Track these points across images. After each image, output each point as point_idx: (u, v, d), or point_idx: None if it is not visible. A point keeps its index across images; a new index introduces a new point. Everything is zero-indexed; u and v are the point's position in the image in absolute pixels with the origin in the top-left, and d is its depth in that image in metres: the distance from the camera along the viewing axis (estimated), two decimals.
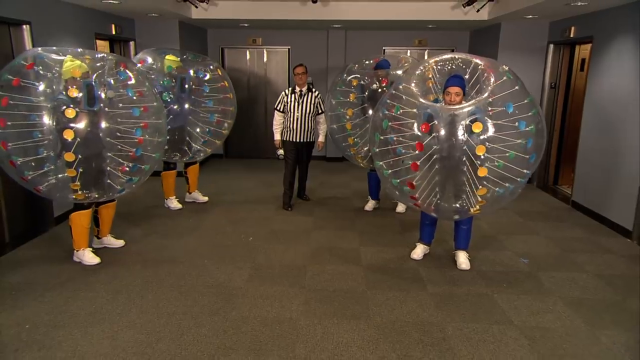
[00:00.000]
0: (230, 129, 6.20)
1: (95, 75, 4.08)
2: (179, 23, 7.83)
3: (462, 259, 4.61)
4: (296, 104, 6.12)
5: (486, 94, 3.80)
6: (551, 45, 7.52)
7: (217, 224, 5.80)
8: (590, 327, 3.60)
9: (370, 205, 6.47)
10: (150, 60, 5.75)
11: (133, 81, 4.28)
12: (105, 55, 4.32)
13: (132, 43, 7.68)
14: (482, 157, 3.74)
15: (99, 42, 6.74)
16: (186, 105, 5.78)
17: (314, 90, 6.25)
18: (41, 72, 3.94)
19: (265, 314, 3.72)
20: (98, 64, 4.14)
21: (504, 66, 3.97)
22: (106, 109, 4.08)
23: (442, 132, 3.80)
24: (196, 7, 7.27)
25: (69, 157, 3.93)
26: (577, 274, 4.50)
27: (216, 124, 5.98)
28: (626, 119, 5.56)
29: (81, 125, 3.97)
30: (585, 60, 7.10)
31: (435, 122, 3.83)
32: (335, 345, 3.33)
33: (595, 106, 6.25)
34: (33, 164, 3.94)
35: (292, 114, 6.14)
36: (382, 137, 4.11)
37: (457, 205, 3.99)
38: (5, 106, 3.80)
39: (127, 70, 4.29)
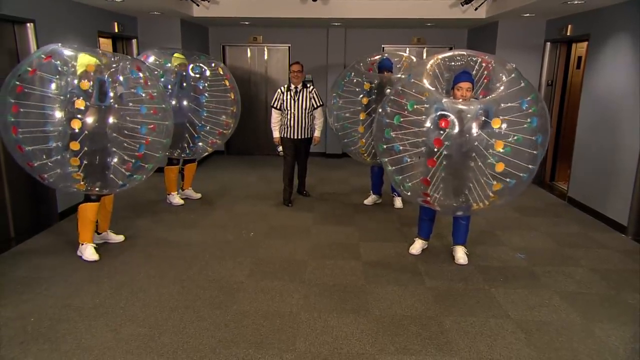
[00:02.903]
0: (233, 128, 6.25)
1: (108, 72, 4.18)
2: (180, 21, 7.87)
3: (460, 254, 4.67)
4: (292, 101, 6.17)
5: (500, 90, 3.83)
6: (548, 43, 7.57)
7: (219, 219, 5.85)
8: (586, 321, 3.66)
9: (370, 199, 6.54)
10: (152, 58, 5.80)
11: (143, 82, 4.38)
12: (121, 56, 4.44)
13: (134, 41, 7.73)
14: (502, 151, 3.75)
15: (101, 39, 6.79)
16: (184, 102, 5.83)
17: (308, 85, 6.30)
18: (58, 65, 4.03)
19: (266, 308, 3.78)
20: (114, 64, 4.25)
21: (511, 64, 4.00)
22: (116, 105, 4.17)
23: (456, 128, 3.80)
24: (197, 5, 7.32)
25: (74, 145, 4.02)
26: (573, 269, 4.56)
27: (222, 124, 6.04)
28: (622, 116, 5.62)
29: (90, 119, 4.06)
30: (582, 58, 7.16)
31: (451, 117, 3.82)
32: (335, 339, 3.38)
33: (592, 103, 6.30)
34: (41, 153, 4.04)
35: (289, 111, 6.19)
36: (393, 134, 4.10)
37: (460, 201, 4.04)
38: (20, 93, 3.92)
39: (140, 72, 4.38)
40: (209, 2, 7.30)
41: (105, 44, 7.15)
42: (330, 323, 3.58)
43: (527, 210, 6.39)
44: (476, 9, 7.04)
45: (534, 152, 3.85)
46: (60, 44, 4.18)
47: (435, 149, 3.87)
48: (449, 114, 3.82)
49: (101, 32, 6.59)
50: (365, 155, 5.96)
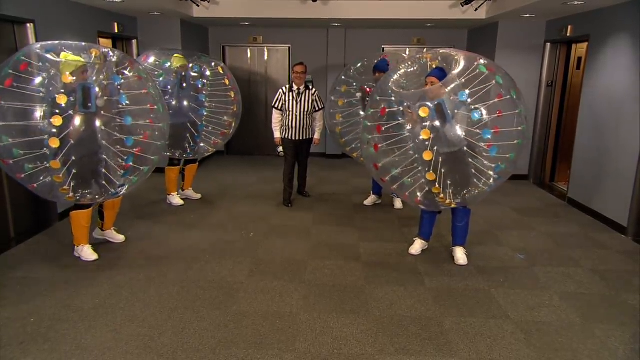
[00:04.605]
0: (235, 128, 6.24)
1: (93, 76, 3.95)
2: (180, 21, 7.88)
3: (460, 255, 4.67)
4: (294, 102, 6.15)
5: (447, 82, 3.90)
6: (548, 44, 7.57)
7: (219, 219, 5.85)
8: (585, 322, 3.66)
9: (370, 200, 6.54)
10: (152, 59, 5.81)
11: (132, 83, 4.15)
12: (109, 51, 4.18)
13: (134, 41, 7.73)
14: (427, 142, 3.84)
15: (101, 40, 6.79)
16: (185, 102, 5.83)
17: (311, 87, 6.28)
18: (42, 68, 3.82)
19: (265, 308, 3.78)
20: (97, 64, 4.01)
21: (481, 60, 3.99)
22: (102, 112, 3.96)
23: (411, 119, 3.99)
24: (198, 5, 7.32)
25: (55, 164, 3.84)
26: (573, 269, 4.56)
27: (224, 124, 6.05)
28: (622, 116, 5.62)
29: (75, 126, 3.85)
30: (582, 58, 7.16)
31: (400, 107, 4.02)
32: (335, 339, 3.39)
33: (591, 104, 6.30)
34: (29, 161, 3.84)
35: (290, 113, 6.17)
36: (369, 124, 4.24)
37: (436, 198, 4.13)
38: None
39: (130, 71, 4.16)
40: (209, 2, 7.31)
41: (106, 44, 7.15)
42: (330, 323, 3.58)
43: (527, 210, 6.39)
44: (476, 9, 7.05)
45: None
46: (39, 45, 3.93)
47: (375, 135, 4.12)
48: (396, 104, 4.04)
49: (101, 33, 6.59)
50: (354, 154, 6.02)
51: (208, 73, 5.99)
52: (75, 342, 3.28)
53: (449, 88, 3.83)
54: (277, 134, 6.34)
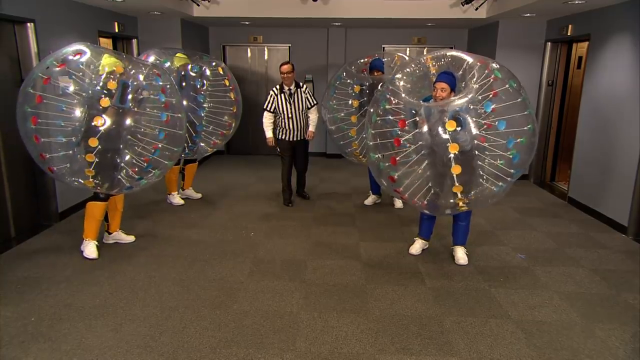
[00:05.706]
0: (234, 129, 6.22)
1: (132, 75, 4.23)
2: (181, 21, 7.88)
3: (460, 254, 4.66)
4: (287, 104, 6.07)
5: (466, 92, 3.82)
6: (549, 43, 7.57)
7: (219, 219, 5.86)
8: (586, 321, 3.66)
9: (370, 200, 6.54)
10: (152, 58, 5.81)
11: (165, 86, 4.43)
12: (144, 62, 4.49)
13: (134, 41, 7.73)
14: (454, 155, 3.78)
15: (102, 39, 6.79)
16: (184, 102, 5.82)
17: (302, 85, 6.17)
18: (84, 63, 4.08)
19: (266, 307, 3.78)
20: (137, 67, 4.32)
21: (494, 64, 3.94)
22: (135, 109, 4.18)
23: (425, 128, 3.86)
24: (198, 5, 7.33)
25: (93, 142, 4.03)
26: (573, 269, 4.56)
27: (224, 125, 6.05)
28: (622, 116, 5.62)
29: (108, 119, 4.07)
30: (582, 58, 7.16)
31: (417, 118, 3.89)
32: (335, 338, 3.39)
33: (592, 103, 6.30)
34: (56, 145, 4.09)
35: (284, 115, 6.11)
36: (373, 132, 4.18)
37: (451, 201, 4.05)
38: (46, 85, 3.99)
39: (160, 80, 4.42)
40: (209, 2, 7.31)
41: (106, 43, 7.15)
42: (330, 323, 3.58)
43: (528, 210, 6.39)
44: (476, 9, 7.04)
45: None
46: (88, 43, 4.25)
47: (395, 148, 3.96)
48: (417, 114, 3.91)
49: (101, 32, 6.59)
50: (360, 157, 5.97)
51: (208, 73, 5.98)
52: (75, 341, 3.29)
53: (468, 98, 3.78)
54: (268, 134, 6.18)
